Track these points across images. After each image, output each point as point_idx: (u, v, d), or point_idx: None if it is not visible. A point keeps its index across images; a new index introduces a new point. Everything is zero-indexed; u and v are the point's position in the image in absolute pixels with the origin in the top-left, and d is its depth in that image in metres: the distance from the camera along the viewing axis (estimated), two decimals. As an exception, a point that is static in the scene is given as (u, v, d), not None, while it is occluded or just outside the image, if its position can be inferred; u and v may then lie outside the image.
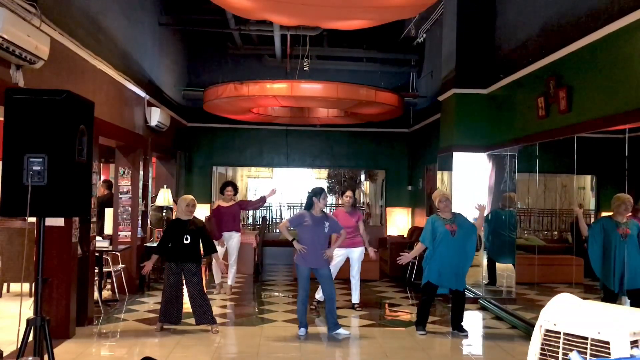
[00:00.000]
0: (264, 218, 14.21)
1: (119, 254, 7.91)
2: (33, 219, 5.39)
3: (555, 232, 7.88)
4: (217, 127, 12.32)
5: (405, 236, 11.88)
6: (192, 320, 6.52)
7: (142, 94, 8.72)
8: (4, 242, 7.53)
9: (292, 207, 15.08)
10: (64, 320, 5.87)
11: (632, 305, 5.22)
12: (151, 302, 7.71)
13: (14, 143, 3.36)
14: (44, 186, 3.32)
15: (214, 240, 7.06)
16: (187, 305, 6.52)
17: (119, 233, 8.30)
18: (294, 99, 9.06)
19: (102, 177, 10.56)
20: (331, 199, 15.41)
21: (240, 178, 16.06)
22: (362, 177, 15.49)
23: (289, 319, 7.02)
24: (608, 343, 2.62)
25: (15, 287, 7.93)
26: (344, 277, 8.10)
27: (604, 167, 6.46)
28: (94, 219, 6.84)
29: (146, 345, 5.85)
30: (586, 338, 2.70)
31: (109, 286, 8.13)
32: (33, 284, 6.73)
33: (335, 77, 10.40)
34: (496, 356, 5.79)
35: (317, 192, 6.31)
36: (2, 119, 3.70)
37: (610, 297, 5.55)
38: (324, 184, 15.23)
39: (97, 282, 7.18)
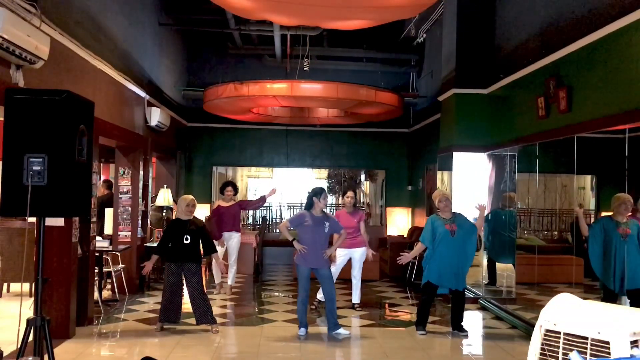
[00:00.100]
0: (264, 218, 14.21)
1: (119, 254, 7.91)
2: (33, 219, 5.39)
3: (555, 232, 7.88)
4: (217, 127, 12.32)
5: (405, 236, 11.88)
6: (192, 320, 6.53)
7: (142, 94, 8.72)
8: (4, 242, 7.54)
9: (292, 207, 15.07)
10: (64, 320, 5.87)
11: (632, 305, 5.22)
12: (151, 302, 7.71)
13: (14, 143, 3.36)
14: (44, 186, 3.33)
15: (214, 240, 7.06)
16: (187, 305, 6.52)
17: (119, 233, 8.30)
18: (294, 99, 9.06)
19: (102, 177, 10.56)
20: (331, 199, 15.41)
21: (240, 178, 16.06)
22: (362, 177, 15.49)
23: (289, 319, 7.02)
24: (608, 343, 2.62)
25: (15, 287, 7.93)
26: (344, 277, 8.09)
27: (604, 167, 6.45)
28: (94, 219, 6.84)
29: (146, 345, 5.85)
30: (586, 338, 2.70)
31: (109, 286, 8.13)
32: (33, 284, 6.73)
33: (335, 77, 10.40)
34: (496, 356, 5.79)
35: (317, 192, 6.31)
36: (2, 119, 3.70)
37: (610, 297, 5.54)
38: (324, 184, 15.23)
39: (97, 282, 7.18)
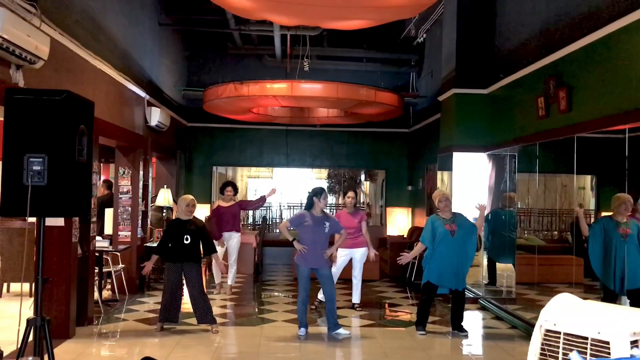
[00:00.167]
0: (264, 218, 14.21)
1: (119, 254, 7.91)
2: (33, 219, 5.38)
3: (555, 232, 7.88)
4: (217, 127, 12.32)
5: (405, 236, 11.88)
6: (192, 320, 6.53)
7: (142, 94, 8.72)
8: (4, 242, 7.53)
9: (292, 207, 15.08)
10: (64, 320, 5.87)
11: (632, 305, 5.22)
12: (151, 302, 7.71)
13: (14, 143, 3.36)
14: (44, 186, 3.32)
15: (214, 241, 7.06)
16: (187, 305, 6.52)
17: (119, 233, 8.30)
18: (294, 99, 9.06)
19: (102, 177, 10.56)
20: (331, 199, 15.41)
21: (240, 178, 16.06)
22: (362, 177, 15.49)
23: (289, 319, 7.02)
24: (608, 343, 2.62)
25: (15, 287, 7.93)
26: (344, 277, 8.09)
27: (604, 167, 6.45)
28: (94, 219, 6.83)
29: (146, 345, 5.85)
30: (586, 338, 2.70)
31: (109, 286, 8.13)
32: (33, 284, 6.73)
33: (335, 77, 10.40)
34: (496, 356, 5.79)
35: (317, 192, 6.31)
36: (2, 119, 3.70)
37: (610, 297, 5.55)
38: (324, 184, 15.23)
39: (97, 282, 7.17)
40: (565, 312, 2.89)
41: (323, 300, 7.30)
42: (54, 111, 3.37)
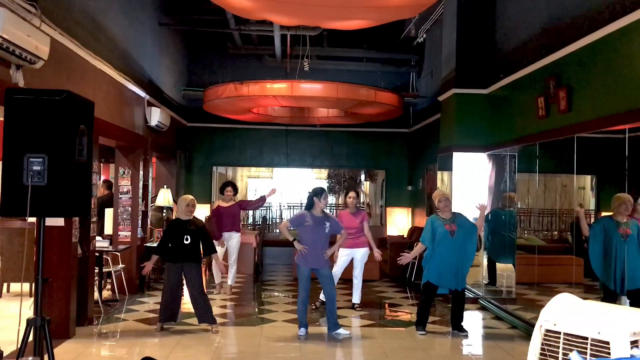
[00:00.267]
0: (264, 218, 14.21)
1: (119, 254, 7.91)
2: (33, 219, 5.38)
3: (555, 232, 7.88)
4: (217, 127, 12.32)
5: (405, 236, 11.88)
6: (192, 320, 6.53)
7: (142, 94, 8.72)
8: (4, 242, 7.53)
9: (292, 207, 15.08)
10: (64, 320, 5.87)
11: (632, 305, 5.22)
12: (151, 302, 7.71)
13: (14, 143, 3.36)
14: (44, 186, 3.32)
15: (214, 241, 7.06)
16: (187, 305, 6.52)
17: (119, 233, 8.30)
18: (294, 99, 9.06)
19: (102, 177, 10.56)
20: (331, 199, 15.41)
21: (240, 178, 16.06)
22: (362, 177, 15.49)
23: (289, 319, 7.02)
24: (608, 343, 2.62)
25: (15, 287, 7.93)
26: (344, 277, 8.08)
27: (604, 167, 6.45)
28: (94, 219, 6.84)
29: (146, 345, 5.85)
30: (586, 338, 2.70)
31: (109, 286, 8.13)
32: (33, 284, 6.73)
33: (335, 77, 10.40)
34: (496, 356, 5.79)
35: (317, 192, 6.31)
36: (2, 119, 3.70)
37: (610, 297, 5.55)
38: (324, 184, 15.23)
39: (97, 282, 7.18)
40: (565, 312, 2.89)
41: (325, 300, 7.31)
42: (54, 111, 3.37)
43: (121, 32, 7.88)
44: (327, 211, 6.62)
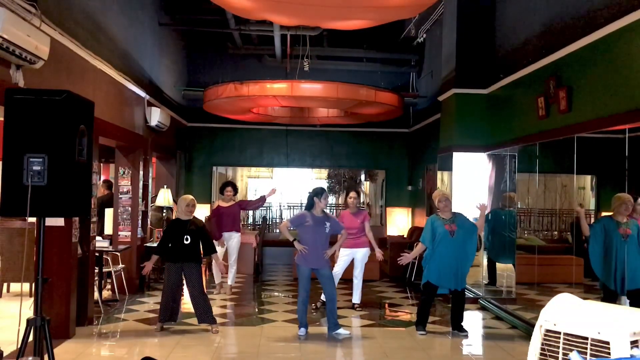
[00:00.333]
0: (264, 218, 14.21)
1: (119, 254, 7.91)
2: (33, 219, 5.39)
3: (555, 232, 7.88)
4: (217, 127, 12.32)
5: (405, 236, 11.88)
6: (192, 320, 6.53)
7: (142, 94, 8.72)
8: (4, 242, 7.53)
9: (292, 207, 15.08)
10: (64, 320, 5.87)
11: (632, 305, 5.22)
12: (151, 302, 7.71)
13: (14, 143, 3.36)
14: (44, 186, 3.32)
15: (214, 241, 7.06)
16: (187, 305, 6.52)
17: (119, 233, 8.30)
18: (294, 99, 9.06)
19: (102, 177, 10.56)
20: (331, 199, 15.41)
21: (240, 178, 16.06)
22: (362, 177, 15.49)
23: (289, 319, 7.02)
24: (608, 343, 2.62)
25: (15, 287, 7.93)
26: (344, 277, 8.08)
27: (604, 167, 6.46)
28: (94, 219, 6.84)
29: (146, 345, 5.85)
30: (586, 338, 2.70)
31: (109, 286, 8.13)
32: (33, 284, 6.73)
33: (335, 77, 10.40)
34: (496, 356, 5.79)
35: (318, 192, 6.31)
36: (2, 119, 3.70)
37: (610, 297, 5.54)
38: (324, 184, 15.23)
39: (97, 282, 7.17)
40: (565, 312, 2.89)
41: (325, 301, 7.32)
42: (54, 111, 3.37)
43: (121, 32, 7.88)
44: (327, 211, 6.62)
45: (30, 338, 3.44)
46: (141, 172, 8.46)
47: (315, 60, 11.51)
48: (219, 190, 9.00)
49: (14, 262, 7.51)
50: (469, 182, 8.52)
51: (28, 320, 3.45)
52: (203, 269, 9.50)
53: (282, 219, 14.99)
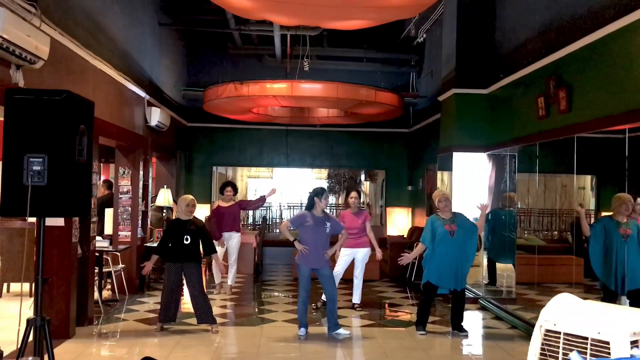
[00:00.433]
0: (264, 218, 14.21)
1: (119, 254, 7.91)
2: (33, 219, 5.38)
3: (555, 232, 7.88)
4: (217, 127, 12.32)
5: (405, 236, 11.88)
6: (192, 320, 6.53)
7: (142, 93, 8.72)
8: (4, 242, 7.53)
9: (292, 207, 15.08)
10: (64, 320, 5.87)
11: (632, 305, 5.22)
12: (151, 302, 7.71)
13: (14, 143, 3.36)
14: (44, 186, 3.32)
15: (213, 241, 7.06)
16: (187, 305, 6.52)
17: (119, 233, 8.30)
18: (294, 99, 9.06)
19: (102, 177, 10.56)
20: (331, 199, 15.41)
21: (240, 178, 16.06)
22: (362, 177, 15.49)
23: (289, 319, 7.02)
24: (608, 343, 2.62)
25: (15, 287, 7.93)
26: (344, 277, 8.09)
27: (604, 167, 6.46)
28: (94, 219, 6.84)
29: (146, 345, 5.85)
30: (586, 338, 2.70)
31: (109, 286, 8.13)
32: (33, 284, 6.73)
33: (335, 77, 10.40)
34: (496, 356, 5.79)
35: (318, 192, 6.31)
36: (2, 119, 3.70)
37: (610, 297, 5.54)
38: (324, 184, 15.24)
39: (97, 282, 7.17)
40: (565, 312, 2.89)
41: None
42: (54, 111, 3.37)
43: (121, 32, 7.88)
44: (328, 211, 6.62)
45: (30, 338, 3.44)
46: (141, 172, 8.46)
47: (315, 60, 11.51)
48: (219, 190, 9.00)
49: (14, 262, 7.50)
50: (469, 182, 8.52)
51: (28, 320, 3.45)
52: (203, 269, 9.50)
53: (282, 219, 15.00)
